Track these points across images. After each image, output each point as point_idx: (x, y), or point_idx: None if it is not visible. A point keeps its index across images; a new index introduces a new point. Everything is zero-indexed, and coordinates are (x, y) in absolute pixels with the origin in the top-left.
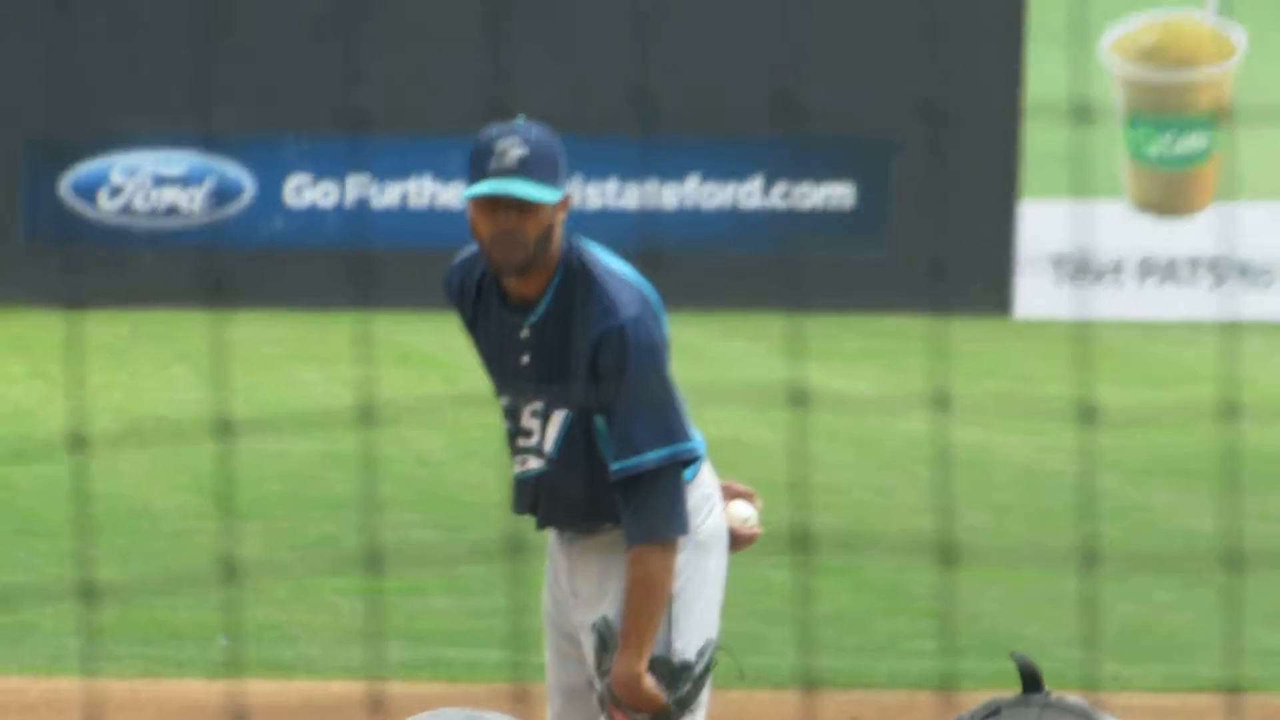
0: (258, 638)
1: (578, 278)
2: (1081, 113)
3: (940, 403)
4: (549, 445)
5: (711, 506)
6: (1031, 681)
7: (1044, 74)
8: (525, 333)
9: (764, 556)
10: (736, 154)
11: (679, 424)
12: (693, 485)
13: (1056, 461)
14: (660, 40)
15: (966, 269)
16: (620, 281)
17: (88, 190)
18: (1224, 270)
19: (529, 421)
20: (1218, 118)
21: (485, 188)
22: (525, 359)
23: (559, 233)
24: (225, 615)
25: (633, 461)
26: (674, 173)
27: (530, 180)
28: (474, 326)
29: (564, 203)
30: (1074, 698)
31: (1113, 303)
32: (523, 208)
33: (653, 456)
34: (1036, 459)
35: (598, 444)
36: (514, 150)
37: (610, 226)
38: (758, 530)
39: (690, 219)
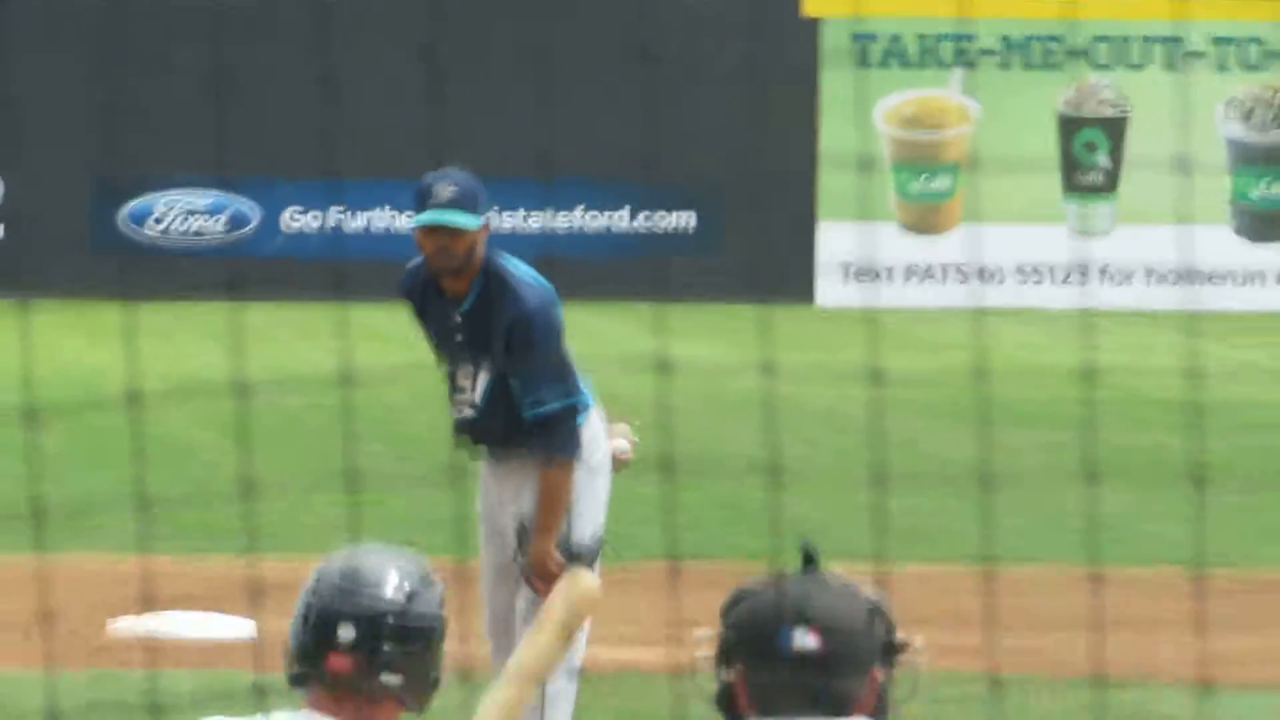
0: (270, 533)
1: (494, 279)
2: (863, 161)
3: (765, 367)
4: (478, 398)
5: (598, 441)
6: (809, 562)
7: (833, 134)
8: (458, 319)
9: (636, 476)
10: (610, 192)
11: (573, 382)
12: (585, 425)
13: (851, 409)
14: (557, 108)
15: (780, 271)
16: (525, 282)
17: (139, 219)
18: (968, 272)
19: (464, 381)
20: (960, 166)
21: (426, 218)
22: (459, 337)
23: (481, 248)
24: (244, 520)
25: (540, 410)
26: (566, 205)
27: (459, 211)
28: (422, 314)
29: (484, 227)
30: (840, 573)
31: (887, 296)
32: (453, 232)
33: (555, 406)
34: (837, 406)
35: (512, 396)
36: (446, 190)
37: (519, 243)
38: (630, 457)
39: (577, 237)
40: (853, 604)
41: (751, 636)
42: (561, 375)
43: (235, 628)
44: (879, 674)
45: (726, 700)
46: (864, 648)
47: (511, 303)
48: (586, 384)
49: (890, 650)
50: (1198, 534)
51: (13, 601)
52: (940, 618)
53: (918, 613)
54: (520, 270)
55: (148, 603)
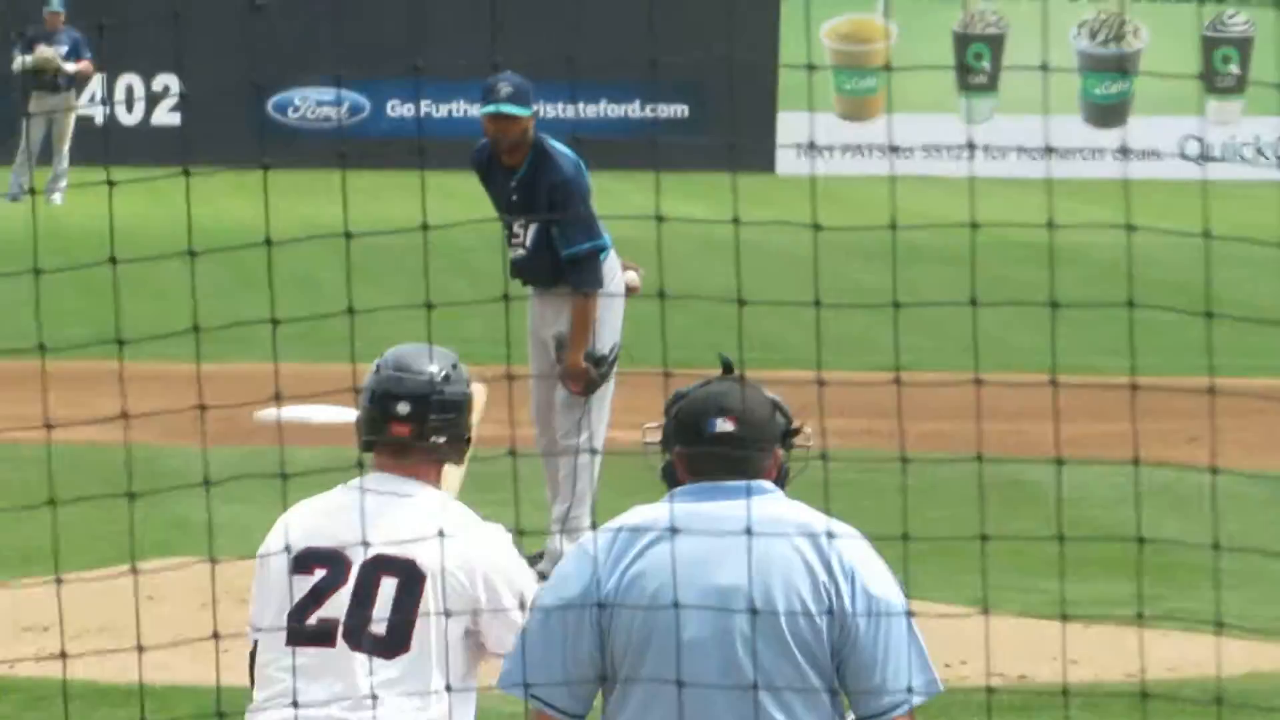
0: (372, 345)
1: (540, 154)
2: (811, 67)
3: (735, 219)
4: (528, 243)
5: (615, 274)
6: (728, 370)
7: (790, 46)
8: (514, 184)
9: (641, 301)
10: (623, 89)
11: (597, 230)
12: (606, 263)
13: (800, 250)
14: (584, 27)
15: (749, 149)
16: (562, 155)
17: (281, 108)
18: (886, 149)
19: (517, 230)
20: (881, 69)
21: (490, 109)
22: (515, 197)
23: (530, 131)
24: (351, 336)
25: (573, 250)
26: (591, 99)
27: (514, 104)
28: (486, 180)
29: (532, 116)
30: (748, 378)
31: (827, 167)
32: (509, 118)
33: (584, 247)
34: (789, 249)
35: (553, 241)
36: (504, 88)
37: (557, 127)
38: (639, 287)
39: (599, 123)
40: (759, 400)
41: (686, 424)
42: (589, 225)
43: (346, 415)
44: (779, 452)
45: (669, 472)
46: (767, 432)
47: (553, 171)
48: (606, 232)
49: (787, 435)
50: (1054, 347)
51: (180, 398)
52: (863, 408)
53: (845, 405)
54: (559, 147)
55: (282, 399)
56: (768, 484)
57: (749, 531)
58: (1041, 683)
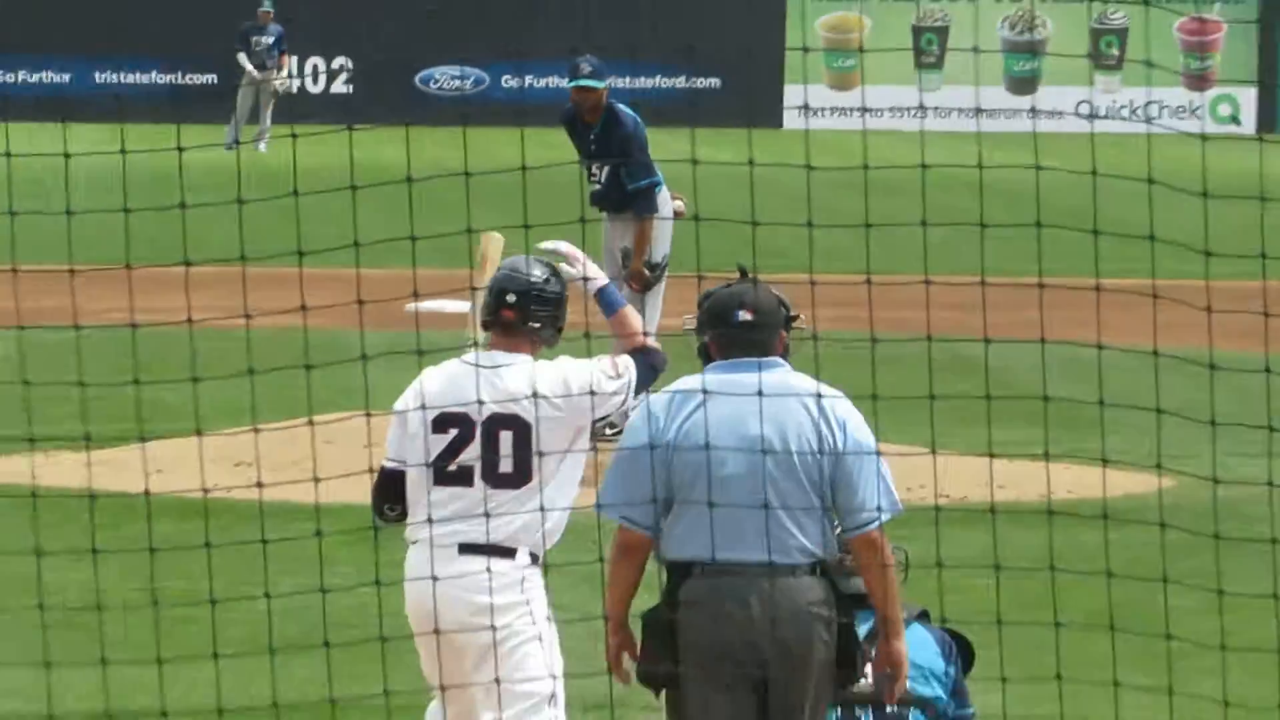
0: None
1: (611, 114)
2: (806, 50)
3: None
4: (602, 180)
5: (666, 203)
6: (744, 275)
7: (793, 34)
8: (592, 137)
9: (684, 224)
10: (671, 69)
11: (653, 169)
12: (660, 194)
13: (798, 185)
14: (644, 14)
15: (763, 111)
16: (626, 114)
17: (425, 81)
18: (862, 110)
19: (595, 171)
20: (859, 52)
21: (576, 83)
22: (593, 146)
23: (604, 97)
24: (471, 251)
25: (635, 184)
26: (649, 74)
27: (592, 80)
28: (572, 134)
29: (605, 87)
30: (761, 280)
31: (820, 124)
32: (589, 90)
33: (643, 182)
34: (791, 184)
35: (621, 178)
36: (585, 67)
37: (623, 95)
38: (684, 212)
39: (654, 91)
40: (768, 296)
41: (716, 315)
42: (647, 166)
43: (465, 306)
44: (784, 335)
45: (704, 351)
46: (775, 320)
47: (620, 126)
48: (659, 171)
49: (789, 322)
50: (982, 256)
51: (345, 294)
52: (844, 301)
53: (831, 299)
54: (624, 109)
55: (419, 295)
56: (778, 359)
57: (759, 394)
58: (976, 501)
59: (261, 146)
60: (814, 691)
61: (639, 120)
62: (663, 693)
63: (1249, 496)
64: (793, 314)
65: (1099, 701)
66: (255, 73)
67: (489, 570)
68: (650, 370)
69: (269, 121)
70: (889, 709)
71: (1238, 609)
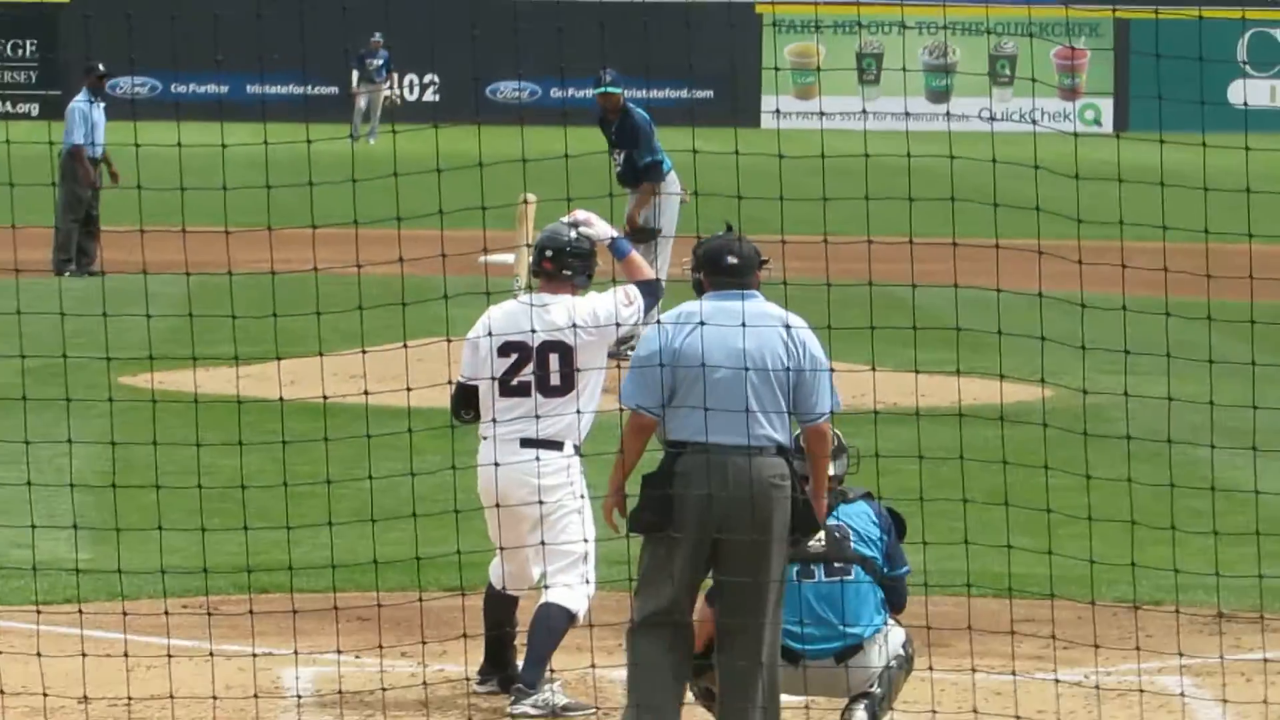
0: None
1: (626, 114)
2: (777, 69)
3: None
4: (620, 163)
5: (674, 184)
6: (730, 229)
7: (767, 58)
8: (613, 130)
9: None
10: (674, 83)
11: (659, 153)
12: (668, 175)
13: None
14: (653, 45)
15: (745, 114)
16: (638, 113)
17: (493, 91)
18: (820, 114)
19: (616, 157)
20: (818, 71)
21: (600, 90)
22: (613, 138)
23: (621, 100)
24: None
25: (642, 161)
26: (660, 87)
27: (612, 87)
28: (602, 128)
29: (620, 93)
30: (743, 235)
31: (788, 124)
32: (609, 94)
33: (648, 159)
34: (764, 168)
35: (635, 161)
36: (606, 76)
37: (637, 103)
38: (686, 197)
39: (663, 99)
40: (750, 246)
41: (710, 258)
42: (654, 150)
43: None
44: (760, 273)
45: (699, 286)
46: (754, 263)
47: (633, 124)
48: (667, 157)
49: (762, 264)
50: (910, 223)
51: (430, 250)
52: (808, 256)
53: (799, 254)
54: (637, 110)
55: (488, 249)
56: (755, 291)
57: (744, 325)
58: (904, 406)
59: (372, 140)
60: (775, 548)
61: (649, 118)
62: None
63: (1110, 403)
64: (764, 259)
65: (996, 560)
66: (363, 86)
67: (538, 459)
68: (652, 297)
69: (377, 121)
70: (836, 565)
71: (1100, 489)
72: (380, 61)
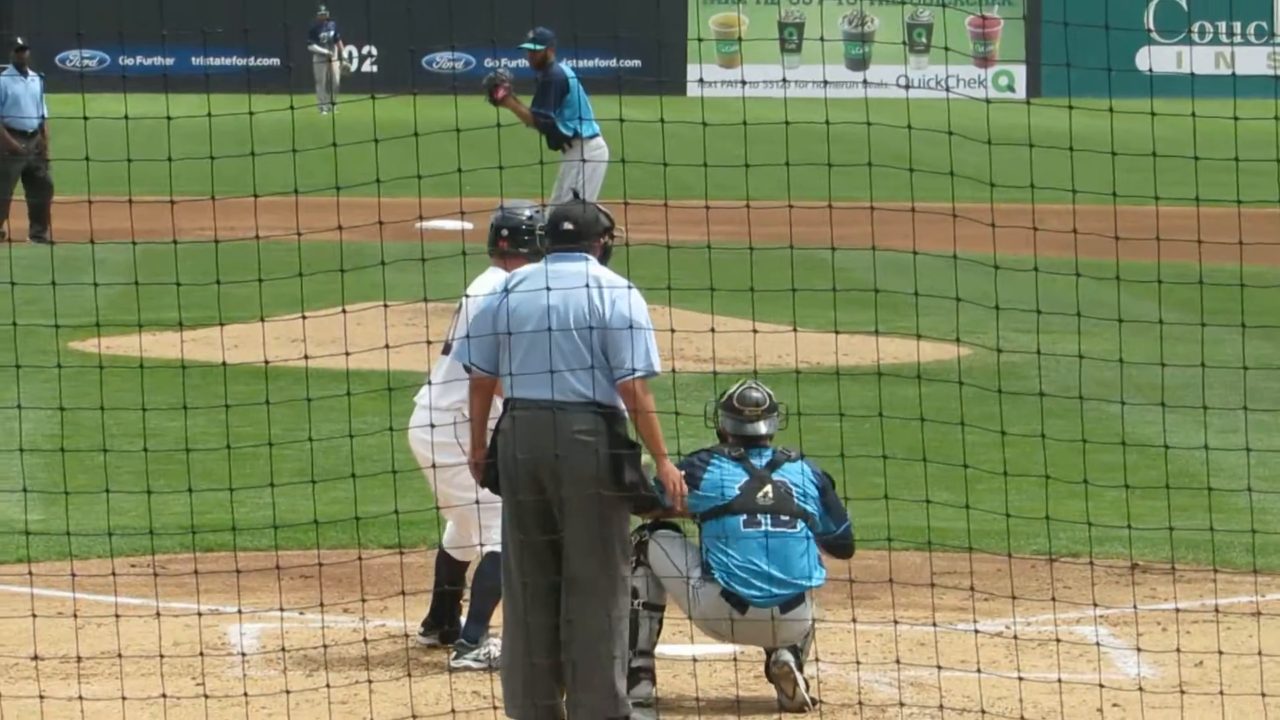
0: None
1: (546, 70)
2: (700, 40)
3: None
4: (540, 120)
5: (601, 147)
6: (575, 195)
7: (694, 29)
8: (538, 80)
9: (617, 163)
10: (605, 51)
11: (575, 116)
12: (595, 140)
13: (695, 135)
14: (585, 11)
15: (673, 82)
16: (562, 71)
17: (428, 64)
18: (742, 80)
19: (541, 109)
20: (740, 41)
21: (526, 45)
22: (536, 91)
23: (544, 56)
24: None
25: (566, 125)
26: (589, 56)
27: (534, 44)
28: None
29: (542, 50)
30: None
31: (712, 91)
32: (532, 51)
33: (547, 112)
34: (688, 134)
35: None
36: (530, 34)
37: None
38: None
39: (593, 69)
40: (591, 212)
41: (549, 223)
42: (566, 108)
43: (465, 224)
44: (601, 241)
45: (546, 248)
46: (594, 229)
47: (547, 80)
48: (595, 123)
49: (607, 231)
50: (829, 187)
51: (368, 217)
52: (728, 219)
53: (723, 219)
54: (559, 68)
55: (425, 217)
56: (583, 254)
57: (547, 288)
58: (826, 366)
59: (325, 111)
60: (594, 501)
61: (570, 76)
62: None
63: (1027, 361)
64: (609, 226)
65: (916, 515)
66: (320, 59)
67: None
68: None
69: (336, 91)
70: (783, 517)
71: (1015, 445)
72: (330, 33)
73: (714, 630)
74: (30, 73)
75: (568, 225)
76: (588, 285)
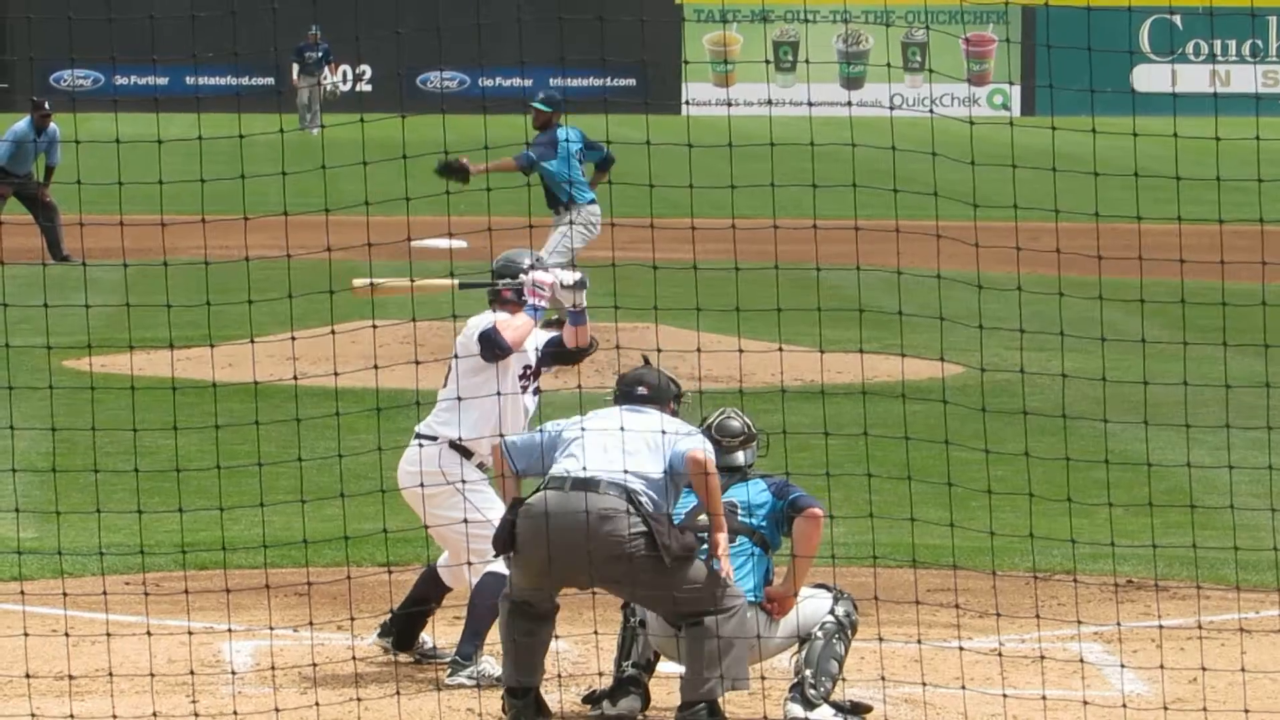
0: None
1: (554, 132)
2: (687, 63)
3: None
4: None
5: (592, 214)
6: (646, 361)
7: (689, 50)
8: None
9: (607, 182)
10: (600, 71)
11: (571, 179)
12: (585, 206)
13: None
14: (578, 32)
15: (670, 99)
16: (564, 135)
17: (422, 82)
18: (738, 101)
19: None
20: (733, 61)
21: (536, 104)
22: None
23: (551, 119)
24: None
25: (530, 157)
26: (582, 76)
27: (547, 105)
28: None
29: (557, 115)
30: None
31: (707, 110)
32: (541, 110)
33: (565, 189)
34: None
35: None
36: (540, 95)
37: (553, 90)
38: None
39: (586, 88)
40: (664, 378)
41: (621, 383)
42: (566, 171)
43: (455, 243)
44: (672, 405)
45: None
46: (667, 395)
47: (553, 134)
48: (590, 191)
49: (677, 397)
50: (814, 200)
51: (358, 237)
52: (715, 238)
53: (707, 236)
54: (560, 130)
55: (414, 236)
56: (650, 409)
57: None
58: (813, 383)
59: (315, 130)
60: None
61: (572, 140)
62: None
63: (1015, 379)
64: (680, 394)
65: (902, 532)
66: (303, 79)
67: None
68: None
69: (319, 112)
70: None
71: (1000, 463)
72: (319, 54)
73: (666, 651)
74: (51, 126)
75: (642, 390)
76: (662, 431)
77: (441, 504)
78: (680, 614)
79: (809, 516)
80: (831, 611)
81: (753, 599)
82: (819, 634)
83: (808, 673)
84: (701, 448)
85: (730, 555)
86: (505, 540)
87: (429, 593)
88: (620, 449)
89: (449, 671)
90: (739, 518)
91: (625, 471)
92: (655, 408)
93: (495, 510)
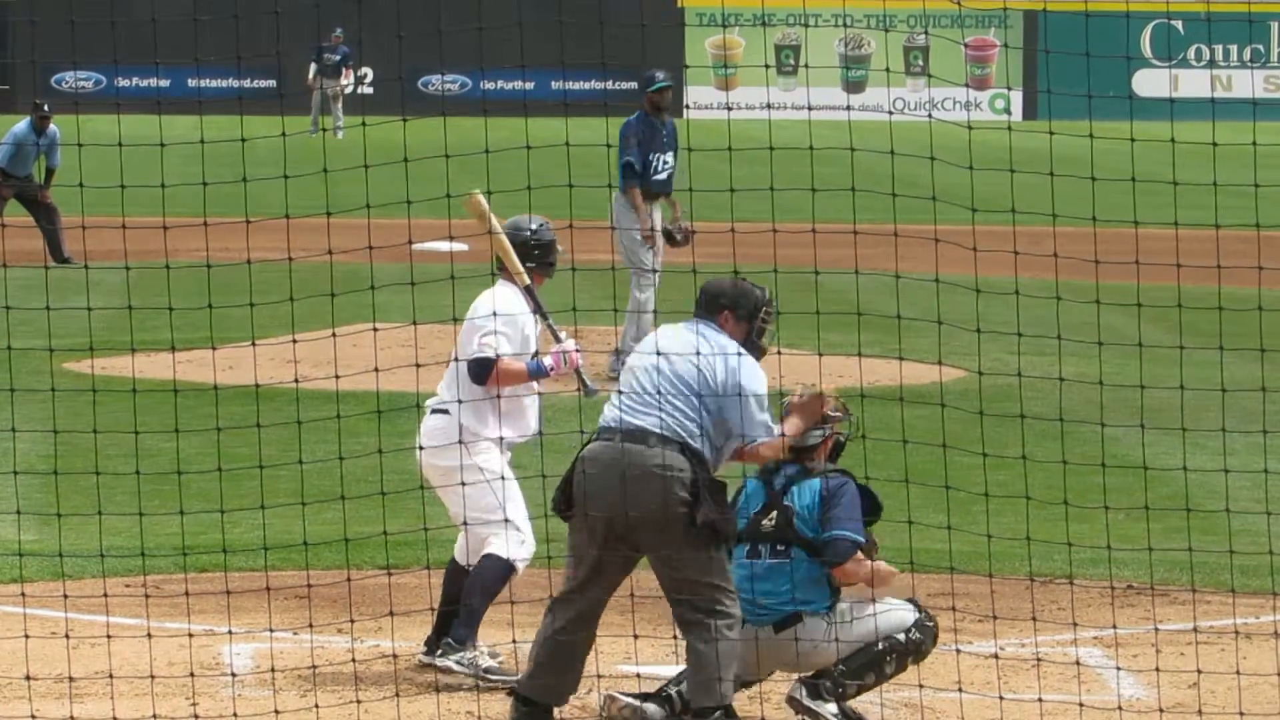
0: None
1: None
2: (687, 67)
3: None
4: (670, 168)
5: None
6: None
7: (690, 54)
8: (665, 131)
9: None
10: (602, 75)
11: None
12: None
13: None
14: (579, 39)
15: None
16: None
17: (424, 85)
18: (738, 104)
19: (670, 160)
20: (735, 64)
21: (662, 83)
22: (666, 138)
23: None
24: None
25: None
26: (585, 79)
27: (669, 81)
28: (649, 130)
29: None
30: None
31: (709, 114)
32: (670, 88)
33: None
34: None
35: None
36: (659, 73)
37: (557, 95)
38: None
39: (590, 90)
40: (721, 285)
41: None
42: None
43: (460, 245)
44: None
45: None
46: (717, 302)
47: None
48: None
49: (757, 310)
50: (813, 203)
51: (360, 240)
52: (714, 241)
53: (705, 239)
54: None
55: (416, 240)
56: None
57: (697, 352)
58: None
59: (339, 134)
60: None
61: (629, 123)
62: None
63: (1007, 383)
64: (762, 308)
65: (901, 536)
66: (318, 80)
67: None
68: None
69: (341, 116)
70: (779, 546)
71: (999, 467)
72: (339, 57)
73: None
74: (51, 128)
75: (724, 301)
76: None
77: (464, 492)
78: (676, 597)
79: (839, 573)
80: (906, 630)
81: (798, 607)
82: (881, 644)
83: (840, 668)
84: (766, 439)
85: (781, 567)
86: (562, 500)
87: (459, 587)
88: (676, 388)
89: (440, 652)
90: (794, 527)
91: (672, 417)
92: (731, 324)
93: (507, 473)
